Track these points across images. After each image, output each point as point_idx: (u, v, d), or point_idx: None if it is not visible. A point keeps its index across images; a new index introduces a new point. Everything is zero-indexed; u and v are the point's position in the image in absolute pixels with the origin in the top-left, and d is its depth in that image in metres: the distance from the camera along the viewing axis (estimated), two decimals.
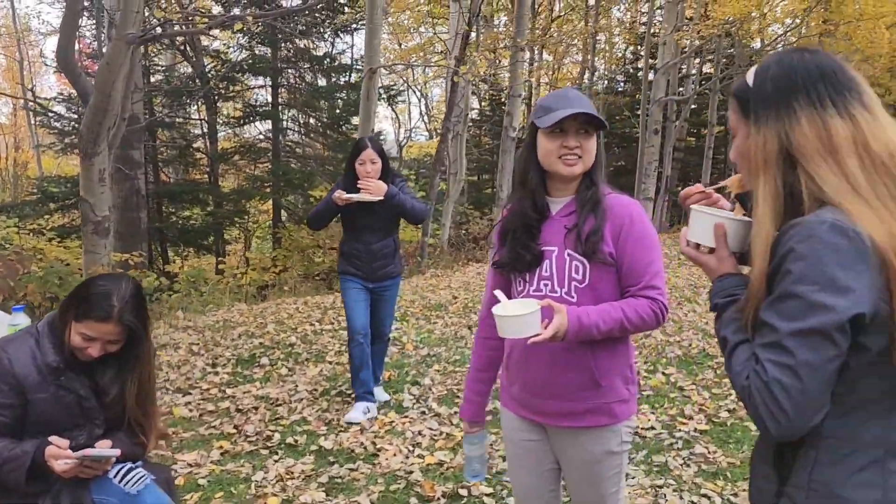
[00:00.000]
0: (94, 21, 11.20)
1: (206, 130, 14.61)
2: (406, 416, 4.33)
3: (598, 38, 19.88)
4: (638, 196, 14.04)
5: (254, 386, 4.88)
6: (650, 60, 15.80)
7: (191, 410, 4.41)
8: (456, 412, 4.35)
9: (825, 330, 1.11)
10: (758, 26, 14.13)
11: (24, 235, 10.91)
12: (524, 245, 1.96)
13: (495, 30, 19.04)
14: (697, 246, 1.43)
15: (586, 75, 20.79)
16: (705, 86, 18.46)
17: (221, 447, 3.84)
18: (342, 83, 15.17)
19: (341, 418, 4.23)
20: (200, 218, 14.01)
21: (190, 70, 14.26)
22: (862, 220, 1.14)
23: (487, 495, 3.32)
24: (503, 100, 16.39)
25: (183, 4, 12.02)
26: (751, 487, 1.43)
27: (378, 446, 3.87)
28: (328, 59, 15.10)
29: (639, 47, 20.22)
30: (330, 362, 5.37)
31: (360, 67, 12.94)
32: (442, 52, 20.49)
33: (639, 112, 16.08)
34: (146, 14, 9.30)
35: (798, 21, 13.76)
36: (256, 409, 4.44)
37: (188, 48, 13.61)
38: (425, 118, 26.15)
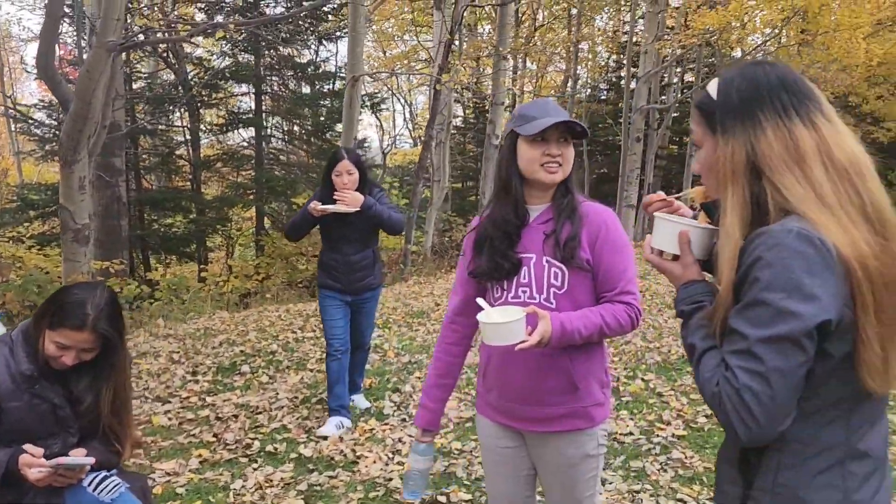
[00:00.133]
0: (75, 28, 11.14)
1: (188, 138, 14.56)
2: (386, 424, 4.34)
3: (580, 46, 20.02)
4: (620, 203, 14.14)
5: (234, 394, 4.86)
6: (632, 69, 15.94)
7: (170, 419, 4.39)
8: None
9: (794, 336, 1.13)
10: (737, 36, 14.28)
11: (4, 243, 10.81)
12: (503, 254, 1.98)
13: (479, 38, 19.14)
14: (661, 253, 1.45)
15: (569, 84, 20.91)
16: (687, 94, 18.64)
17: (200, 455, 3.82)
18: (326, 91, 15.19)
19: (318, 427, 4.23)
20: (183, 225, 13.93)
21: (172, 77, 14.22)
22: (826, 230, 1.16)
23: (466, 502, 3.33)
24: (487, 108, 16.45)
25: (165, 12, 12.00)
26: (716, 491, 1.46)
27: (358, 454, 3.87)
28: (312, 67, 15.12)
29: (621, 56, 20.39)
30: (311, 370, 5.36)
31: (344, 75, 12.96)
32: (426, 60, 20.58)
33: (621, 120, 16.20)
34: (128, 21, 9.27)
35: (777, 31, 13.94)
36: (236, 417, 4.43)
37: (171, 55, 13.56)
38: (409, 125, 26.19)
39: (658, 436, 4.09)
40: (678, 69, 20.53)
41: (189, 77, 13.81)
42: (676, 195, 1.62)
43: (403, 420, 4.40)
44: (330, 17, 14.55)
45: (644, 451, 3.89)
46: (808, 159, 1.22)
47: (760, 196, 1.24)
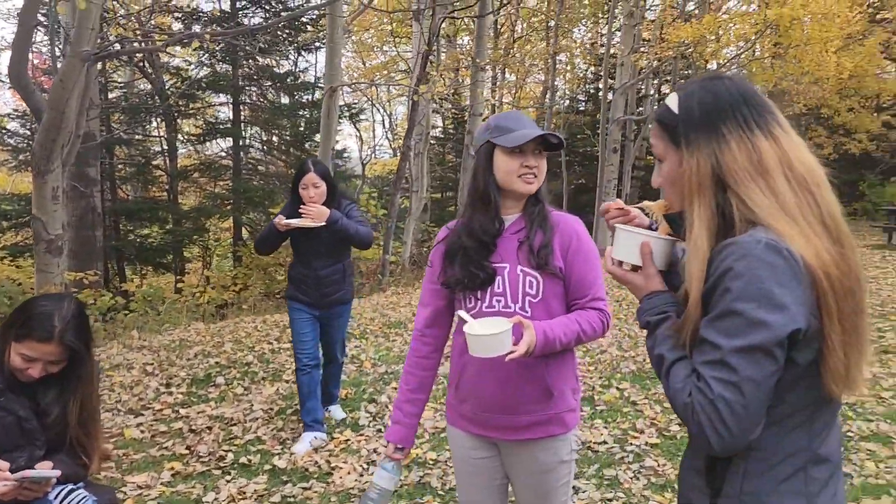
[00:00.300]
0: (49, 37, 11.05)
1: (165, 148, 14.47)
2: (362, 434, 4.33)
3: (559, 58, 20.20)
4: (598, 213, 14.26)
5: (208, 406, 4.83)
6: (609, 81, 16.11)
7: (142, 431, 4.35)
8: None
9: (766, 346, 1.14)
10: (712, 49, 14.51)
11: None
12: (478, 263, 1.99)
13: (458, 49, 19.25)
14: (620, 264, 1.47)
15: (548, 95, 21.08)
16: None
17: (173, 468, 3.79)
18: (305, 101, 15.18)
19: (295, 439, 4.21)
20: (159, 236, 13.81)
21: (149, 87, 14.13)
22: (792, 240, 1.18)
23: None
24: (465, 118, 16.53)
25: (142, 22, 11.93)
26: (680, 500, 1.45)
27: (332, 465, 3.86)
28: (290, 77, 15.11)
29: (598, 68, 20.60)
30: (287, 381, 5.34)
31: (323, 86, 12.98)
32: (405, 70, 20.64)
33: (599, 131, 16.35)
34: (103, 30, 9.21)
35: (750, 44, 14.19)
36: (210, 429, 4.40)
37: (147, 65, 13.49)
38: (389, 136, 26.19)
39: (631, 444, 4.12)
40: (654, 81, 20.79)
41: (166, 87, 13.74)
42: (637, 206, 1.63)
43: (379, 431, 4.39)
44: (308, 27, 14.56)
45: (617, 459, 3.92)
46: (771, 171, 1.24)
47: (726, 208, 1.26)
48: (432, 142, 19.63)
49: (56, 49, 7.87)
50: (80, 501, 2.17)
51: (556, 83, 21.07)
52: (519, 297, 1.98)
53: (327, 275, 4.09)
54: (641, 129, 18.49)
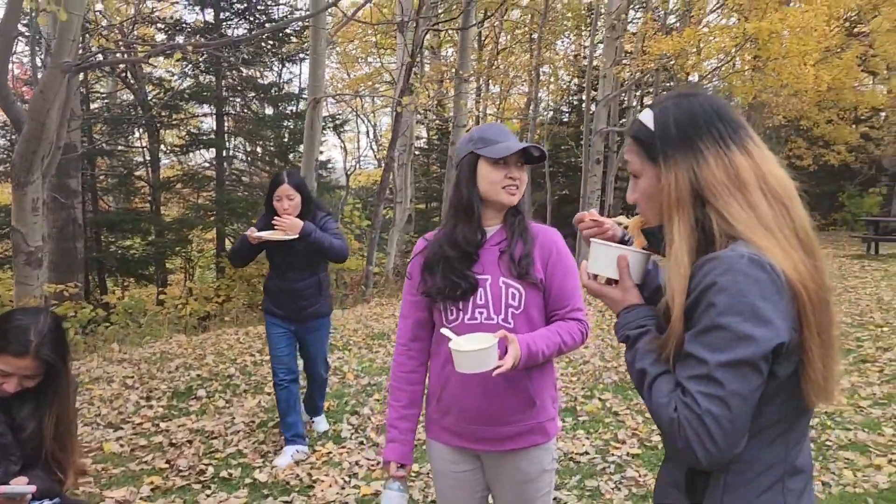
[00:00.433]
0: (30, 48, 10.98)
1: (147, 158, 14.39)
2: (344, 447, 4.31)
3: (542, 70, 20.34)
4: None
5: (189, 419, 4.79)
6: (592, 92, 16.23)
7: (122, 445, 4.31)
8: None
9: (753, 360, 1.15)
10: (693, 62, 14.68)
11: None
12: (460, 274, 2.00)
13: (442, 61, 19.33)
14: (595, 277, 1.48)
15: (531, 106, 21.21)
16: None
17: (152, 483, 3.76)
18: (289, 112, 15.16)
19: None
20: (141, 247, 13.72)
21: (132, 97, 14.07)
22: (772, 254, 1.20)
23: None
24: (450, 129, 16.60)
25: (125, 33, 11.89)
26: None
27: (314, 478, 3.84)
28: (275, 88, 15.10)
29: (581, 80, 20.75)
30: (269, 393, 5.31)
31: (307, 97, 12.99)
32: (390, 81, 20.69)
33: (582, 142, 16.45)
34: (85, 40, 9.18)
35: (730, 57, 14.36)
36: (191, 442, 4.37)
37: (129, 76, 13.44)
38: (374, 146, 26.22)
39: (613, 455, 4.14)
40: (637, 93, 20.96)
41: (149, 97, 13.68)
42: (612, 220, 1.64)
43: (361, 443, 4.38)
44: (293, 38, 14.57)
45: (599, 470, 3.93)
46: (748, 185, 1.26)
47: (705, 223, 1.27)
48: (416, 152, 19.68)
49: (37, 59, 7.82)
50: None
51: (539, 95, 21.19)
52: (501, 309, 1.99)
53: (303, 288, 4.03)
54: (624, 140, 18.63)
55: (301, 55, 15.01)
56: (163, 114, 13.36)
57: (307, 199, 3.94)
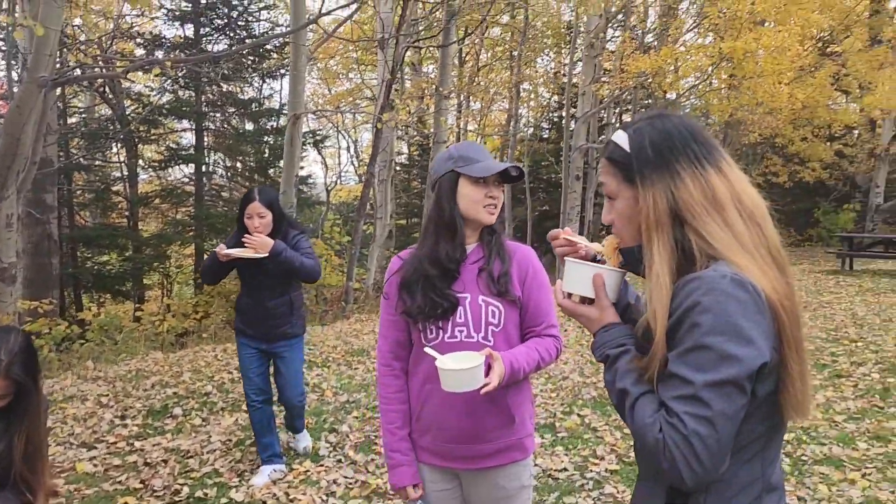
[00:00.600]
0: (6, 62, 10.89)
1: (125, 173, 14.28)
2: (322, 465, 4.27)
3: (522, 87, 20.51)
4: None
5: (164, 438, 4.73)
6: (572, 109, 16.40)
7: (95, 465, 4.24)
8: (373, 459, 4.33)
9: (738, 380, 1.15)
10: (670, 80, 14.89)
11: None
12: (440, 293, 1.99)
13: (423, 77, 19.43)
14: (569, 296, 1.49)
15: (512, 122, 21.37)
16: None
17: (126, 503, 3.70)
18: (269, 127, 15.14)
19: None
20: (118, 263, 13.57)
21: (109, 112, 13.99)
22: (751, 274, 1.20)
23: None
24: (431, 145, 16.65)
25: (103, 48, 11.83)
26: None
27: (291, 497, 3.80)
28: (255, 104, 15.08)
29: (561, 96, 20.95)
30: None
31: (287, 112, 12.98)
32: (371, 97, 20.74)
33: (563, 158, 16.60)
34: (63, 55, 9.12)
35: (706, 75, 14.59)
36: (166, 462, 4.31)
37: (108, 90, 13.36)
38: (354, 162, 26.22)
39: (591, 471, 4.14)
40: (616, 110, 21.19)
41: (127, 112, 13.60)
42: (586, 243, 1.62)
43: (339, 461, 4.35)
44: (273, 54, 14.59)
45: (577, 486, 3.93)
46: (725, 205, 1.27)
47: (685, 243, 1.27)
48: (397, 168, 19.70)
49: (13, 74, 7.76)
50: None
51: (520, 111, 21.39)
52: (482, 327, 2.00)
53: (274, 306, 3.93)
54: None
55: (281, 71, 15.02)
56: (141, 129, 13.28)
57: (279, 217, 3.86)
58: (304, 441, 4.50)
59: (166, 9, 13.84)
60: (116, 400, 5.58)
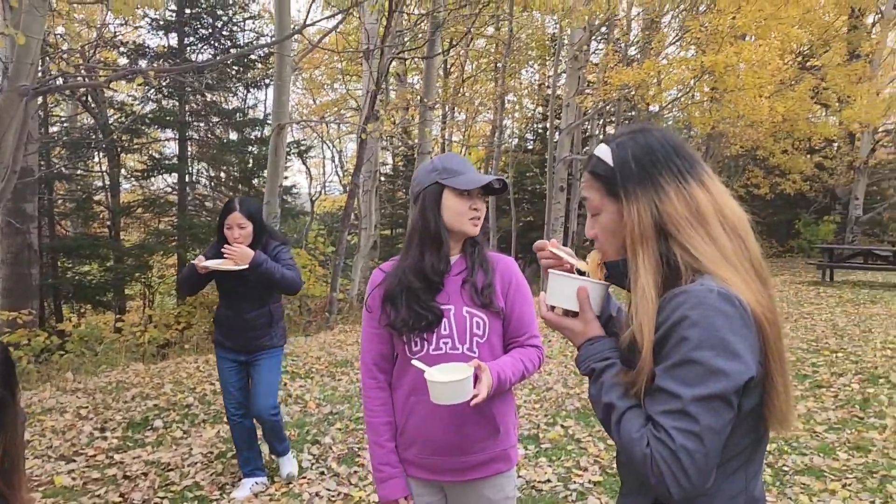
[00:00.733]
0: None
1: (107, 183, 14.17)
2: (304, 477, 4.24)
3: (507, 98, 20.62)
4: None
5: (145, 450, 4.67)
6: (556, 121, 16.50)
7: (73, 479, 4.18)
8: (356, 471, 4.30)
9: (725, 395, 1.16)
10: (653, 92, 15.04)
11: None
12: (425, 305, 1.98)
13: (408, 88, 19.48)
14: (552, 309, 1.48)
15: (497, 133, 21.47)
16: None
17: None
18: (253, 137, 15.11)
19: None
20: (99, 273, 13.43)
21: (92, 121, 13.89)
22: (736, 287, 1.21)
23: None
24: (415, 156, 16.67)
25: (86, 56, 11.76)
26: None
27: None
28: (239, 114, 15.04)
29: (545, 108, 21.08)
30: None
31: (272, 123, 12.96)
32: (356, 108, 20.75)
33: (547, 169, 16.68)
34: (45, 63, 9.05)
35: (689, 88, 14.75)
36: (146, 475, 4.25)
37: (90, 100, 13.27)
38: (339, 172, 26.21)
39: (575, 482, 4.14)
40: (599, 122, 21.34)
41: (109, 121, 13.52)
42: (572, 259, 1.60)
43: (322, 473, 4.31)
44: (258, 64, 14.57)
45: (561, 498, 3.93)
46: (708, 219, 1.28)
47: (670, 257, 1.27)
48: (382, 179, 19.73)
49: None
50: None
51: (504, 122, 21.47)
52: (466, 339, 2.00)
53: (253, 318, 3.85)
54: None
55: (266, 81, 15.02)
56: (124, 138, 13.20)
57: (259, 228, 3.79)
58: (288, 467, 4.18)
59: (150, 18, 13.79)
60: (96, 412, 5.51)
